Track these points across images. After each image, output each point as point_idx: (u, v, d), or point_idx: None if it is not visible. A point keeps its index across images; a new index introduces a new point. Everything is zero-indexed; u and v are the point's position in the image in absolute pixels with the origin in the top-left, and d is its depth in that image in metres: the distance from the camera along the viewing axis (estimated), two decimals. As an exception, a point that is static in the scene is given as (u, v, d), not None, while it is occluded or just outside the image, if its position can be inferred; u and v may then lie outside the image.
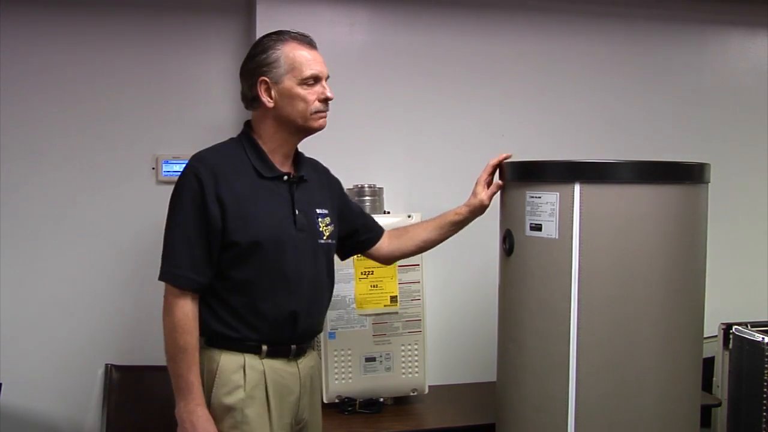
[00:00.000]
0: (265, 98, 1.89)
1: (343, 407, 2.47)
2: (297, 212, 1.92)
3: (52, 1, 2.60)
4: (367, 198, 2.56)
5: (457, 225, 2.20)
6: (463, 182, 2.78)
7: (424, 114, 2.79)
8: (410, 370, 2.51)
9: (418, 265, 2.50)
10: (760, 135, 3.15)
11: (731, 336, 2.57)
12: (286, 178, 1.93)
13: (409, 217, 2.50)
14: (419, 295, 2.51)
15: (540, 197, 1.92)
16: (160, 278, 1.83)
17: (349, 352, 2.46)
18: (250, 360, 1.87)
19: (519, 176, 2.02)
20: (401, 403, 2.57)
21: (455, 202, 2.78)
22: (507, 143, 2.81)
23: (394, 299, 2.48)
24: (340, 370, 2.45)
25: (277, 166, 1.93)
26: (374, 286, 2.47)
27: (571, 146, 2.87)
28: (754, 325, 2.55)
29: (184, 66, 2.70)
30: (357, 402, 2.48)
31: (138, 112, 2.66)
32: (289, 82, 1.88)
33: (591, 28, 2.93)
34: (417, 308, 2.51)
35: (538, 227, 1.93)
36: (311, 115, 1.90)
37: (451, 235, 2.21)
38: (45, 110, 2.62)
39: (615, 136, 2.96)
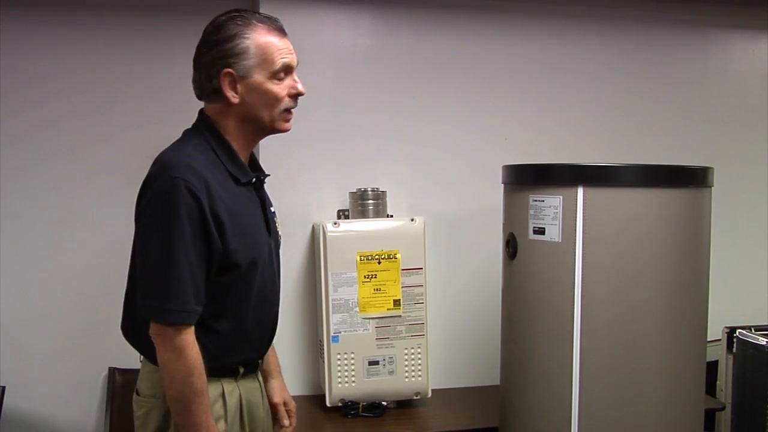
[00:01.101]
0: (229, 93, 1.63)
1: (346, 411, 2.47)
2: (268, 219, 1.77)
3: (55, 4, 2.61)
4: (370, 202, 2.56)
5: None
6: (466, 185, 2.81)
7: (427, 117, 2.79)
8: (413, 373, 2.51)
9: (422, 268, 2.50)
10: (764, 138, 3.14)
11: (735, 340, 2.56)
12: (254, 180, 1.73)
13: (411, 220, 2.51)
14: (422, 299, 2.51)
15: (543, 201, 1.92)
16: (159, 318, 1.54)
17: (352, 355, 2.46)
18: (227, 385, 1.69)
19: (522, 179, 2.02)
20: (404, 406, 2.57)
21: (457, 206, 2.81)
22: (510, 146, 2.83)
23: (397, 303, 2.48)
24: (343, 373, 2.45)
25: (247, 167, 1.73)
26: (377, 290, 2.46)
27: (574, 150, 2.87)
28: (758, 328, 2.55)
29: (188, 69, 2.70)
30: (360, 405, 2.47)
31: (142, 115, 2.67)
32: (259, 77, 1.63)
33: (594, 32, 2.93)
34: (420, 312, 2.51)
35: (541, 231, 1.93)
36: (280, 114, 1.67)
37: None
38: (48, 112, 2.62)
39: (618, 140, 2.96)
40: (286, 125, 1.70)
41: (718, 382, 2.71)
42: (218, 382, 1.67)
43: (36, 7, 2.59)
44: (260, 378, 1.83)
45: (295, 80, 1.68)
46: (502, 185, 2.15)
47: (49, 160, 2.64)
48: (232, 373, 1.70)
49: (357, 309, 2.45)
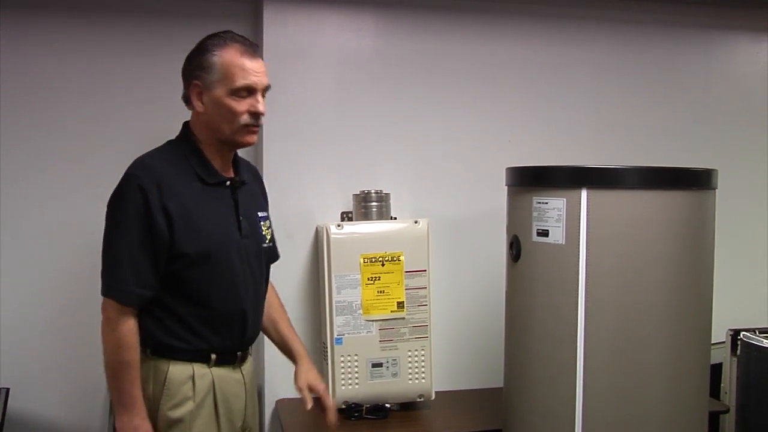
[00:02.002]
0: (196, 103, 1.83)
1: (349, 413, 2.47)
2: (241, 218, 1.89)
3: (58, 7, 2.62)
4: (374, 204, 2.56)
5: (282, 349, 2.15)
6: (470, 188, 2.81)
7: (430, 120, 2.79)
8: (417, 375, 2.51)
9: (425, 270, 2.50)
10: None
11: (739, 342, 2.56)
12: (228, 183, 1.89)
13: (415, 223, 2.51)
14: (426, 301, 2.51)
15: (547, 203, 1.92)
16: (104, 294, 1.79)
17: (356, 357, 2.46)
18: (199, 369, 1.83)
19: (526, 182, 2.02)
20: (408, 408, 2.57)
21: (461, 208, 2.81)
22: (513, 149, 2.82)
23: (400, 305, 2.48)
24: (346, 375, 2.45)
25: (219, 170, 1.88)
26: (381, 292, 2.47)
27: (578, 152, 2.87)
28: (762, 331, 2.55)
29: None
30: (363, 408, 2.47)
31: (144, 119, 2.67)
32: (219, 91, 1.79)
33: (597, 34, 2.93)
34: (424, 314, 2.51)
35: (545, 233, 1.93)
36: (239, 128, 1.81)
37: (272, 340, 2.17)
38: (50, 115, 2.62)
39: (621, 142, 2.96)
40: (245, 138, 1.85)
41: (722, 385, 2.70)
42: (189, 365, 1.83)
43: (37, 9, 2.60)
44: (244, 372, 1.95)
45: (257, 100, 1.82)
46: (506, 187, 2.15)
47: (51, 162, 2.63)
48: (203, 359, 1.85)
49: (360, 311, 2.45)
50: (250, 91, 1.81)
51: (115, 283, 1.77)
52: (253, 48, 1.85)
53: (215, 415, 1.87)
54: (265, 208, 2.06)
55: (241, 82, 1.79)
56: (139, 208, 1.74)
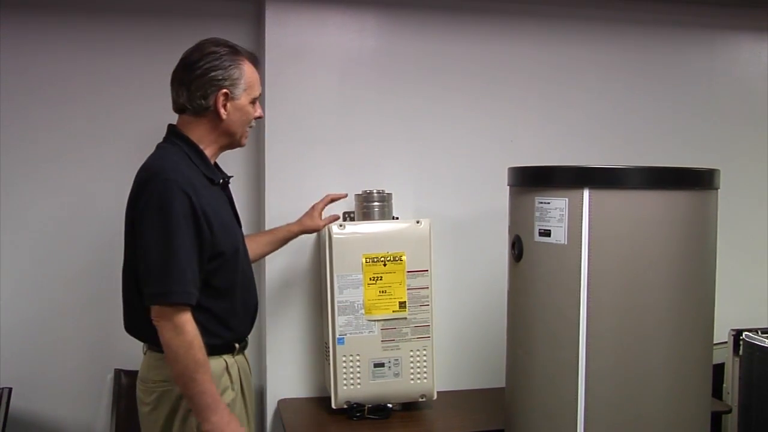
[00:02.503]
0: (222, 111, 1.94)
1: (351, 413, 2.46)
2: (237, 213, 2.09)
3: (60, 7, 2.62)
4: (376, 204, 2.55)
5: (287, 241, 2.44)
6: (472, 188, 2.81)
7: (432, 119, 2.79)
8: (419, 375, 2.51)
9: (427, 270, 2.50)
10: (771, 141, 3.14)
11: (741, 342, 2.56)
12: (221, 182, 2.05)
13: (417, 223, 2.51)
14: (428, 301, 2.51)
15: (549, 203, 1.92)
16: (162, 300, 1.77)
17: (358, 357, 2.46)
18: (229, 360, 1.96)
19: (528, 182, 2.02)
20: (410, 408, 2.57)
21: (463, 208, 2.81)
22: (515, 148, 2.82)
23: (402, 305, 2.48)
24: (348, 375, 2.45)
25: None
26: (383, 292, 2.47)
27: (580, 152, 2.86)
28: (765, 331, 2.54)
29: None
30: (365, 408, 2.47)
31: (146, 118, 2.67)
32: (244, 99, 1.98)
33: (599, 34, 2.93)
34: (426, 314, 2.51)
35: (547, 233, 1.93)
36: (245, 131, 2.04)
37: (277, 249, 2.44)
38: (50, 115, 2.63)
39: (624, 142, 2.95)
40: (245, 140, 2.07)
41: (724, 385, 2.70)
42: (221, 358, 1.93)
43: (37, 9, 2.60)
44: (246, 355, 2.10)
45: (259, 106, 2.06)
46: (508, 187, 2.15)
47: (52, 162, 2.64)
48: (229, 350, 1.97)
49: (362, 311, 2.45)
50: (258, 98, 2.04)
51: (177, 287, 1.77)
52: (258, 60, 2.09)
53: (243, 400, 2.00)
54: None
55: (258, 91, 2.02)
56: (186, 210, 1.79)
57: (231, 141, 2.02)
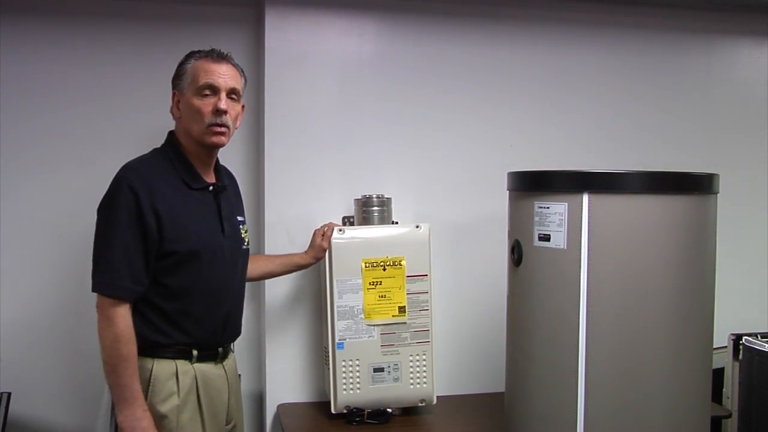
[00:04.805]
0: (174, 110, 2.02)
1: (351, 418, 2.46)
2: (224, 221, 2.04)
3: (61, 11, 2.62)
4: (375, 208, 2.56)
5: (300, 267, 2.46)
6: (471, 192, 2.82)
7: (432, 124, 2.79)
8: (419, 380, 2.50)
9: (426, 275, 2.50)
10: (769, 145, 3.14)
11: (741, 347, 2.56)
12: (211, 188, 2.04)
13: (417, 227, 2.51)
14: (428, 305, 2.51)
15: (548, 207, 1.92)
16: (97, 290, 1.86)
17: (357, 362, 2.46)
18: (182, 366, 1.95)
19: (527, 186, 2.02)
20: (409, 413, 2.56)
21: (463, 212, 2.81)
22: (515, 153, 2.83)
23: (402, 309, 2.48)
24: (348, 380, 2.45)
25: (202, 176, 2.04)
26: (382, 297, 2.47)
27: (580, 156, 2.87)
28: (764, 336, 2.54)
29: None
30: (365, 412, 2.47)
31: (146, 123, 2.67)
32: (188, 93, 1.97)
33: (599, 39, 2.94)
34: (425, 318, 2.51)
35: (546, 238, 1.93)
36: (206, 129, 1.97)
37: (289, 273, 2.49)
38: (51, 119, 2.63)
39: (623, 146, 2.96)
40: (211, 139, 1.98)
41: (724, 390, 2.70)
42: (172, 362, 1.93)
43: (38, 14, 2.61)
44: (227, 367, 2.08)
45: (219, 98, 1.95)
46: (507, 192, 2.14)
47: (52, 165, 2.64)
48: (185, 356, 1.96)
49: (362, 316, 2.45)
50: (213, 89, 1.96)
51: (109, 279, 1.85)
52: (220, 55, 2.01)
53: (199, 410, 1.96)
54: (243, 213, 2.21)
55: (203, 80, 1.94)
56: (131, 208, 1.85)
57: (195, 142, 2.00)
